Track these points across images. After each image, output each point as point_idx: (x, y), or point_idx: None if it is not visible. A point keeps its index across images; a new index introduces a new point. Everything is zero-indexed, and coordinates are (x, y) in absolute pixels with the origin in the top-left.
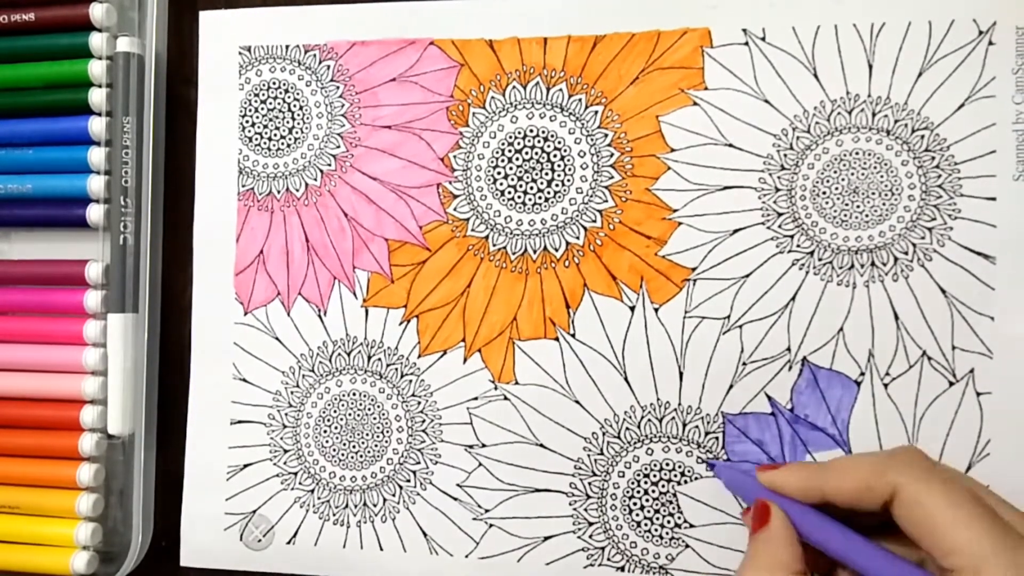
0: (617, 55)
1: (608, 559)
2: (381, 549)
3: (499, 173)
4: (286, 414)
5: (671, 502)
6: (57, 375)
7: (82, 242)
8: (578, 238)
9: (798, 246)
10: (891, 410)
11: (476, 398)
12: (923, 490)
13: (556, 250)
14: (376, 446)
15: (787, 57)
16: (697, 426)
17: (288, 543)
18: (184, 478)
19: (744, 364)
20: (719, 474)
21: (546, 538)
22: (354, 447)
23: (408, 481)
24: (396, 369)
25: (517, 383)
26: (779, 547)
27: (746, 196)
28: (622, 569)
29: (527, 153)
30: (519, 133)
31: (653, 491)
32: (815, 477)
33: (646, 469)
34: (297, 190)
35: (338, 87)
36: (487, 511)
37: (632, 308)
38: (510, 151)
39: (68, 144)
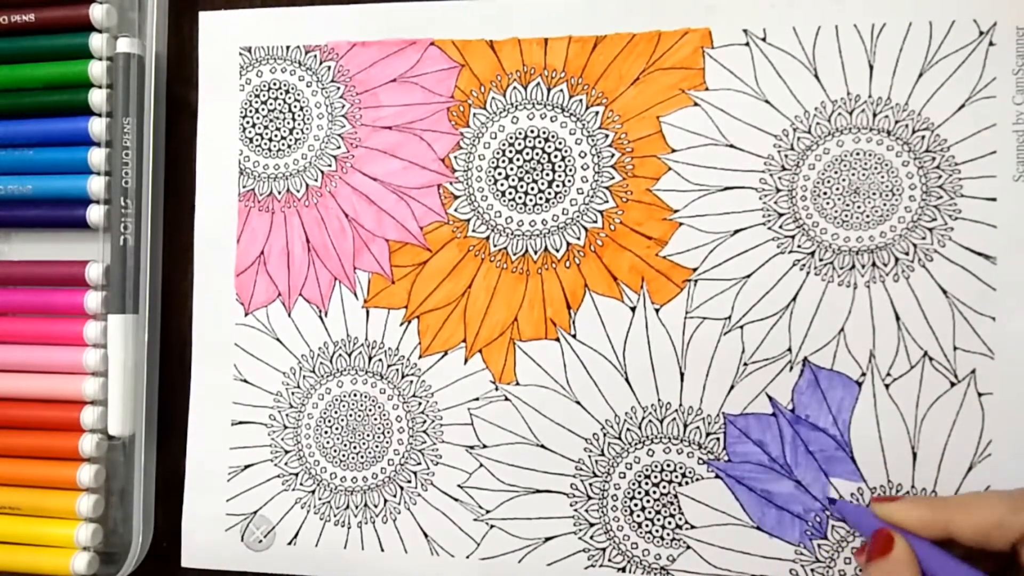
0: (618, 56)
1: (609, 560)
2: (382, 550)
3: (500, 174)
4: (287, 415)
5: (672, 503)
6: (57, 376)
7: (82, 243)
8: (579, 239)
9: (799, 246)
10: (892, 411)
11: (477, 399)
12: None
13: (557, 251)
14: (377, 447)
15: (788, 58)
16: (698, 427)
17: (289, 544)
18: (185, 479)
19: (745, 364)
20: (840, 510)
21: (547, 539)
22: (355, 448)
23: (409, 482)
24: (397, 370)
25: (518, 384)
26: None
27: (747, 197)
28: (623, 570)
29: (528, 154)
30: (520, 134)
31: (654, 492)
32: (940, 510)
33: (647, 470)
34: (298, 191)
35: (339, 88)
36: (488, 512)
37: (633, 309)
38: (511, 152)
39: (68, 145)
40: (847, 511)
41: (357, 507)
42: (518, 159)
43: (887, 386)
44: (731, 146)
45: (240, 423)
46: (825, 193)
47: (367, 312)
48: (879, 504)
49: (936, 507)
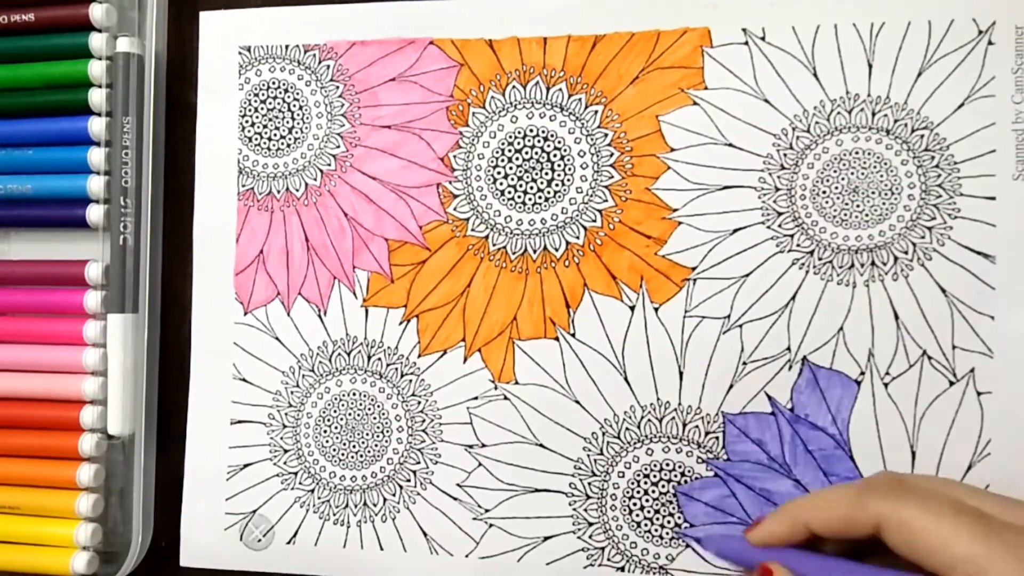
0: (617, 55)
1: (608, 559)
2: (381, 549)
3: (499, 173)
4: (286, 414)
5: (671, 502)
6: (57, 375)
7: (82, 242)
8: (578, 238)
9: (798, 245)
10: (891, 410)
11: (476, 398)
12: (904, 513)
13: (556, 250)
14: (376, 446)
15: (787, 57)
16: (697, 426)
17: (288, 543)
18: (184, 478)
19: (744, 364)
20: (708, 547)
21: (546, 538)
22: (354, 447)
23: (408, 481)
24: (396, 369)
25: (517, 383)
26: None
27: (746, 195)
28: (622, 569)
29: (527, 153)
30: (519, 133)
31: (653, 491)
32: (795, 515)
33: (646, 469)
34: (297, 190)
35: (338, 87)
36: (487, 511)
37: (632, 308)
38: (510, 151)
39: (68, 144)
40: (715, 546)
41: (356, 506)
42: (517, 158)
43: (886, 385)
44: (730, 145)
45: (239, 422)
46: (824, 192)
47: (366, 311)
48: (751, 532)
49: (792, 513)
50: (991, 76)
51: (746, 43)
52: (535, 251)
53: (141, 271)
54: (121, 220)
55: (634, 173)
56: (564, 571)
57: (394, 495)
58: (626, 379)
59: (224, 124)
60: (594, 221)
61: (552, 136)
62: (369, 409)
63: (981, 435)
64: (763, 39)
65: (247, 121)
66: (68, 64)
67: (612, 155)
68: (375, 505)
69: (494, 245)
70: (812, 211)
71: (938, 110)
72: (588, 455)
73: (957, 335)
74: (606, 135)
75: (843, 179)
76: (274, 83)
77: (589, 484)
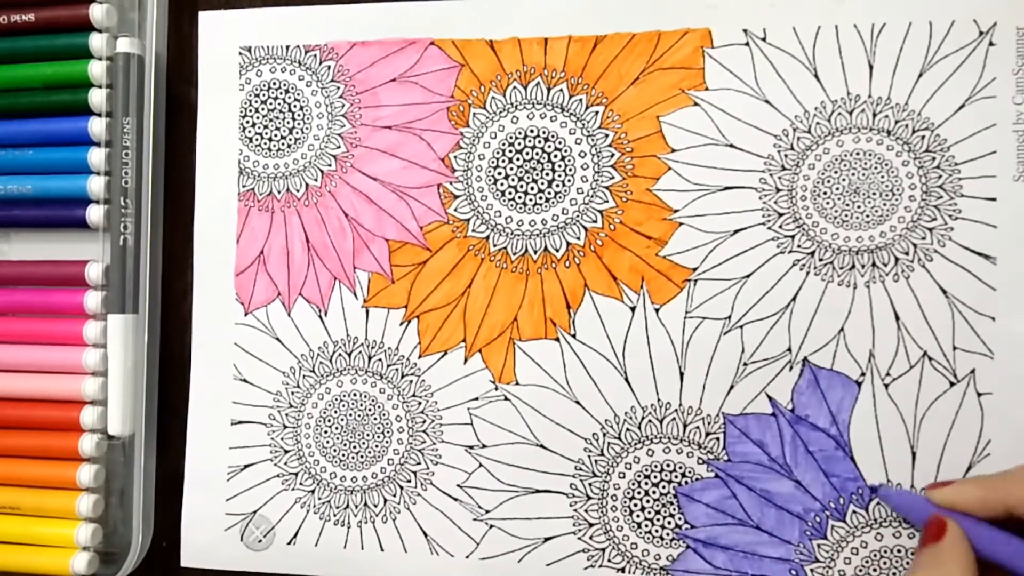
0: (618, 55)
1: (608, 560)
2: (382, 550)
3: (500, 173)
4: (287, 414)
5: (672, 503)
6: (57, 376)
7: (82, 243)
8: (579, 238)
9: (799, 246)
10: (892, 410)
11: (476, 398)
12: None
13: (557, 250)
14: (377, 447)
15: (788, 57)
16: (698, 427)
17: (289, 544)
18: (184, 479)
19: (745, 364)
20: (886, 499)
21: (546, 539)
22: (355, 447)
23: (409, 482)
24: (397, 369)
25: (518, 383)
26: (952, 562)
27: (747, 196)
28: (622, 570)
29: (528, 153)
30: (520, 133)
31: (654, 492)
32: (996, 488)
33: (647, 470)
34: (297, 190)
35: (338, 87)
36: (488, 512)
37: (633, 308)
38: (511, 151)
39: (68, 145)
40: (892, 498)
41: (357, 507)
42: (518, 159)
43: (887, 386)
44: (731, 146)
45: (240, 423)
46: (825, 193)
47: (367, 312)
48: (934, 491)
49: (991, 486)
50: (992, 77)
51: (747, 44)
52: (536, 252)
53: (141, 271)
54: (121, 220)
55: (635, 174)
56: (564, 572)
57: (394, 496)
58: (627, 380)
59: (224, 124)
60: (595, 222)
61: (553, 137)
62: (370, 410)
63: (981, 436)
64: (764, 40)
65: (247, 121)
66: (68, 64)
67: (613, 156)
68: (375, 506)
69: (495, 246)
70: (813, 212)
71: (939, 111)
72: (589, 456)
73: (958, 336)
74: (607, 136)
75: (844, 180)
76: (275, 83)
77: (590, 485)
